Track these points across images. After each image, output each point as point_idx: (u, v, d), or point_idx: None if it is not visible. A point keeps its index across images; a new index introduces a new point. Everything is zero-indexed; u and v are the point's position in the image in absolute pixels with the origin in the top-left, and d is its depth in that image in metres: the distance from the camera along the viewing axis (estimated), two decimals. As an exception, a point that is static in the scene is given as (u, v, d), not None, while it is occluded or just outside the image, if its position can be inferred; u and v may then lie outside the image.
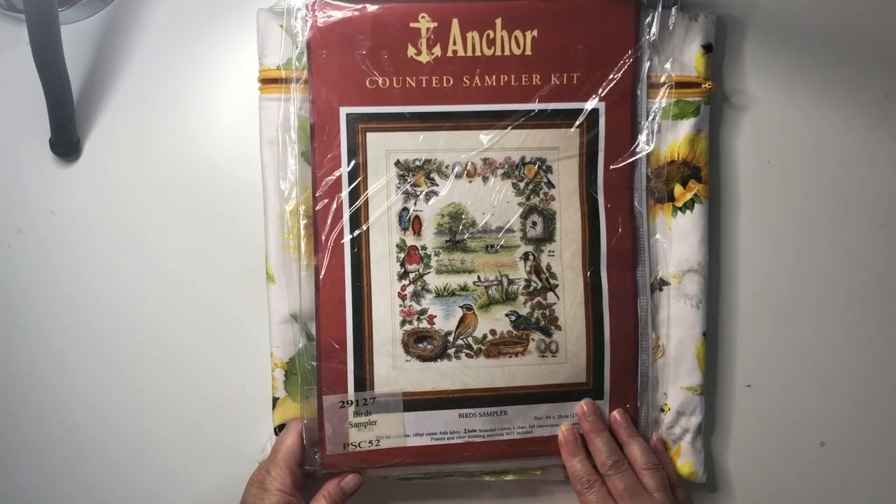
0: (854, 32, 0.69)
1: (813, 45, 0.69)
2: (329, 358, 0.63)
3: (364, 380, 0.63)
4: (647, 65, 0.64)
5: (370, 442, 0.63)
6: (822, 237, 0.69)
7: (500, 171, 0.64)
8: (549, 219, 0.64)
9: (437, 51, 0.63)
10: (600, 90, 0.64)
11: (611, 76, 0.64)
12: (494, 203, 0.64)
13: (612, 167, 0.64)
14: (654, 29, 0.64)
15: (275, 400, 0.65)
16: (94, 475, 0.68)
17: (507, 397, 0.64)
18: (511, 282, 0.64)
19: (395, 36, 0.63)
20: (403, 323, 0.63)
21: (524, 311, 0.64)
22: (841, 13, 0.69)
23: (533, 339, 0.64)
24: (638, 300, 0.65)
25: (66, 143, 0.67)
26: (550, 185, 0.64)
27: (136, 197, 0.68)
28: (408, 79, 0.63)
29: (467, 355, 0.64)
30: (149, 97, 0.68)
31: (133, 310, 0.68)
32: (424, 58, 0.63)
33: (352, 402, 0.63)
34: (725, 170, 0.68)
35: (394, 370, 0.63)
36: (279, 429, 0.65)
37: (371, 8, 0.62)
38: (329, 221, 0.63)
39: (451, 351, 0.64)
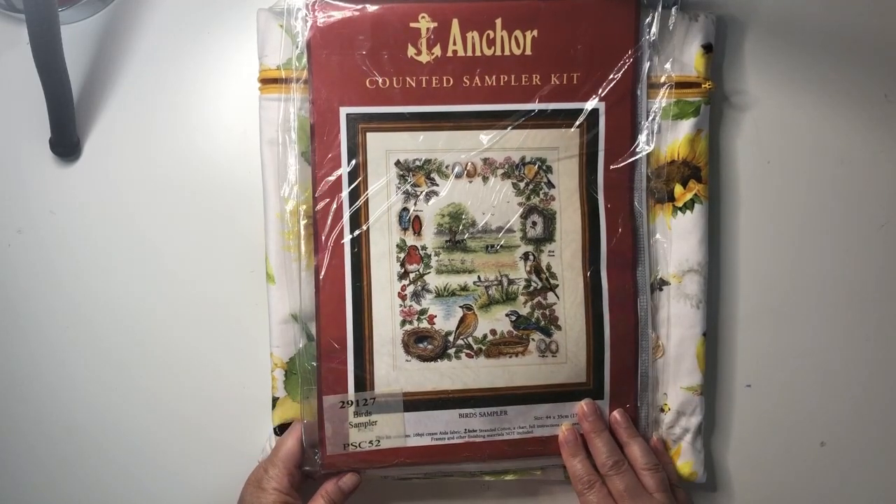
0: (854, 32, 0.69)
1: (813, 45, 0.69)
2: (329, 358, 0.63)
3: (364, 380, 0.63)
4: (647, 65, 0.64)
5: (370, 442, 0.63)
6: (822, 237, 0.69)
7: (500, 171, 0.64)
8: (549, 219, 0.64)
9: (437, 51, 0.63)
10: (600, 90, 0.64)
11: (611, 76, 0.63)
12: (494, 203, 0.64)
13: (612, 167, 0.64)
14: (654, 29, 0.64)
15: (275, 400, 0.65)
16: (94, 475, 0.68)
17: (507, 397, 0.64)
18: (511, 282, 0.64)
19: (395, 36, 0.63)
20: (403, 323, 0.63)
21: (524, 310, 0.64)
22: (841, 13, 0.69)
23: (533, 339, 0.64)
24: (638, 300, 0.65)
25: (66, 143, 0.67)
26: (550, 185, 0.64)
27: (136, 197, 0.68)
28: (408, 79, 0.63)
29: (467, 355, 0.64)
30: (149, 97, 0.68)
31: (133, 310, 0.68)
32: (424, 58, 0.63)
33: (352, 402, 0.63)
34: (725, 170, 0.68)
35: (394, 370, 0.63)
36: (279, 429, 0.65)
37: (371, 8, 0.62)
38: (329, 221, 0.63)
39: (452, 351, 0.64)
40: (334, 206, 0.63)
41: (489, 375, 0.64)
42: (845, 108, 0.68)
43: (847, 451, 0.69)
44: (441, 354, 0.64)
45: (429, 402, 0.64)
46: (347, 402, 0.63)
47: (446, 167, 0.64)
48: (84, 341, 0.68)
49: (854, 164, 0.68)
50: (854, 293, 0.69)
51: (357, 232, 0.63)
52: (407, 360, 0.63)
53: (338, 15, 0.62)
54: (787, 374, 0.68)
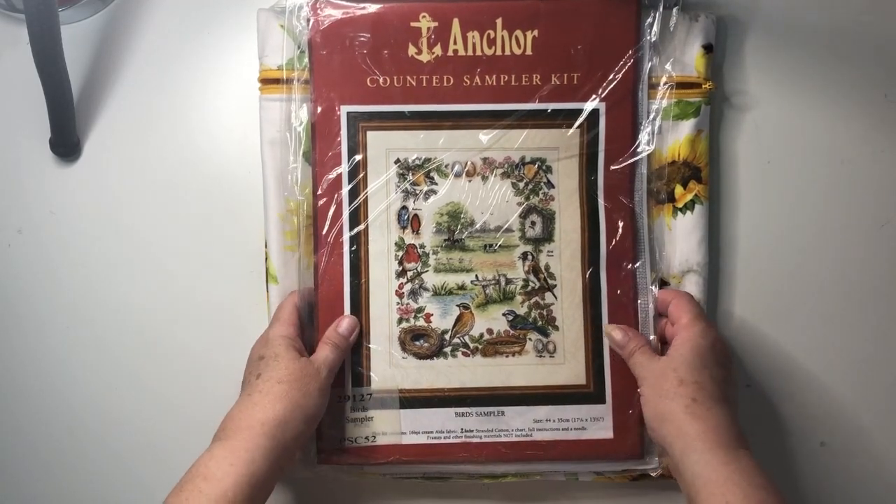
0: (854, 32, 0.68)
1: (813, 45, 0.68)
2: None
3: (361, 376, 0.63)
4: (647, 65, 0.64)
5: (366, 438, 0.63)
6: (822, 237, 0.68)
7: (499, 171, 0.64)
8: (549, 219, 0.64)
9: (437, 50, 0.63)
10: (600, 90, 0.64)
11: (611, 76, 0.63)
12: (493, 202, 0.64)
13: (612, 168, 0.64)
14: (654, 29, 0.64)
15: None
16: (95, 475, 0.68)
17: (504, 398, 0.64)
18: (509, 281, 0.64)
19: (396, 35, 0.63)
20: (400, 321, 0.64)
21: (521, 310, 0.64)
22: (841, 13, 0.68)
23: (530, 339, 0.64)
24: (638, 302, 0.64)
25: (66, 143, 0.67)
26: (550, 184, 0.64)
27: (136, 197, 0.68)
28: (408, 78, 0.63)
29: (464, 354, 0.64)
30: (149, 97, 0.68)
31: (133, 309, 0.68)
32: (425, 57, 0.63)
33: (349, 397, 0.63)
34: (726, 170, 0.68)
35: (390, 367, 0.63)
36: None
37: (372, 7, 0.63)
38: (329, 219, 0.63)
39: (448, 349, 0.64)
40: (334, 204, 0.63)
41: (486, 374, 0.64)
42: (845, 108, 0.68)
43: (847, 451, 0.68)
44: (437, 352, 0.64)
45: (425, 400, 0.64)
46: (344, 397, 0.63)
47: (446, 166, 0.64)
48: (84, 341, 0.68)
49: (854, 164, 0.68)
50: (854, 293, 0.68)
51: (356, 230, 0.63)
52: (403, 358, 0.64)
53: (339, 14, 0.63)
54: (787, 374, 0.68)
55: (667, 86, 0.64)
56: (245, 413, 0.57)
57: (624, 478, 0.65)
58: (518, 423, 0.64)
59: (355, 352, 0.63)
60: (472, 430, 0.64)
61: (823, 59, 0.68)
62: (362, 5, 0.63)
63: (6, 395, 0.68)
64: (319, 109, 0.63)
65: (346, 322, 0.63)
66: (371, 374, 0.63)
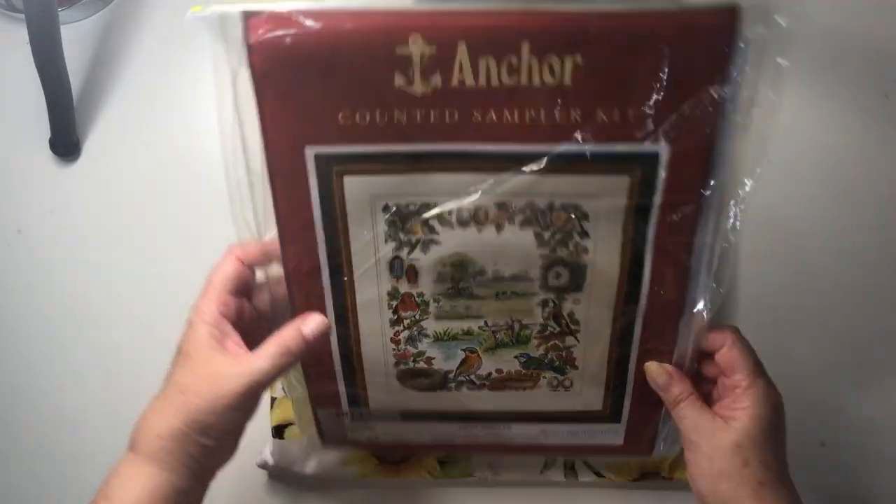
0: (854, 32, 0.65)
1: (813, 44, 0.65)
2: (320, 381, 0.57)
3: (357, 398, 0.58)
4: (736, 98, 0.45)
5: (369, 439, 0.61)
6: (822, 237, 0.65)
7: (519, 218, 0.49)
8: (579, 271, 0.51)
9: (436, 80, 0.44)
10: (665, 127, 0.45)
11: (681, 111, 0.45)
12: (510, 255, 0.50)
13: (669, 220, 0.48)
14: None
15: (273, 400, 0.63)
16: (94, 476, 0.66)
17: (513, 417, 0.59)
18: (524, 326, 0.54)
19: (376, 65, 0.44)
20: (398, 364, 0.56)
21: (537, 353, 0.55)
22: (841, 13, 0.65)
23: (544, 377, 0.56)
24: (676, 348, 0.53)
25: (66, 143, 0.67)
26: (584, 233, 0.49)
27: (136, 197, 0.67)
28: (396, 112, 0.45)
29: (469, 389, 0.57)
30: (149, 97, 0.67)
31: (133, 310, 0.67)
32: (418, 88, 0.44)
33: (346, 413, 0.59)
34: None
35: (389, 395, 0.58)
36: (276, 430, 0.62)
37: (340, 26, 0.42)
38: (304, 278, 0.51)
39: (452, 385, 0.57)
40: (309, 266, 0.51)
41: (494, 402, 0.58)
42: (845, 108, 0.65)
43: (847, 451, 0.66)
44: (440, 388, 0.57)
45: (428, 416, 0.59)
46: (343, 414, 0.59)
47: (448, 213, 0.49)
48: (84, 341, 0.67)
49: (854, 164, 0.65)
50: (854, 293, 0.65)
51: (339, 286, 0.52)
52: (403, 391, 0.57)
53: (289, 34, 0.43)
54: (788, 374, 0.61)
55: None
56: (146, 422, 0.50)
57: (625, 478, 0.64)
58: (526, 432, 0.60)
59: (350, 384, 0.57)
60: (477, 436, 0.60)
61: (823, 59, 0.65)
62: (320, 23, 0.42)
63: (5, 395, 0.68)
64: (276, 154, 0.47)
65: (316, 322, 0.50)
66: (369, 398, 0.58)
